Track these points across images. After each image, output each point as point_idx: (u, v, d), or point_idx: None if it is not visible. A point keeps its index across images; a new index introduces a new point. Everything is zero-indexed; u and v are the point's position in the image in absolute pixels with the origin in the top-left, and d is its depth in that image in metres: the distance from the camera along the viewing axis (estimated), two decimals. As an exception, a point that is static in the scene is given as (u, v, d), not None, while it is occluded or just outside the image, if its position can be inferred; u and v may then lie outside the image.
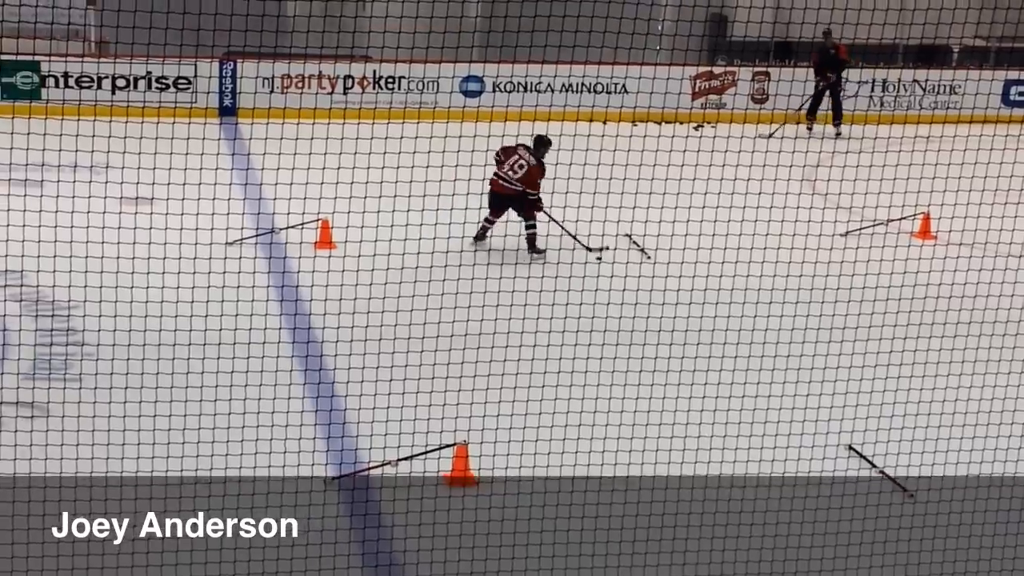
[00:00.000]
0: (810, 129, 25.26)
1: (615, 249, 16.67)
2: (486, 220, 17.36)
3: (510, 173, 17.01)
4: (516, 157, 17.13)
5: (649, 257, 16.60)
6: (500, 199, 17.23)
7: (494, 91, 24.84)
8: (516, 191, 17.07)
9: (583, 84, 25.22)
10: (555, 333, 12.03)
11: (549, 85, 24.82)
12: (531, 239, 17.28)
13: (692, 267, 13.89)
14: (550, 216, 17.26)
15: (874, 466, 11.69)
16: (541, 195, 16.94)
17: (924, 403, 12.28)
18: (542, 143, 17.10)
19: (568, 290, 11.69)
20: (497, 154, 16.86)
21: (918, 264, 13.45)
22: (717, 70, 26.35)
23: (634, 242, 17.18)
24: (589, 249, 17.16)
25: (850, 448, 11.82)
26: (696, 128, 22.30)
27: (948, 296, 13.60)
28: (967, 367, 11.99)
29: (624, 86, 24.66)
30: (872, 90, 26.68)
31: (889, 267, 13.31)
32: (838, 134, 25.22)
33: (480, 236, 17.45)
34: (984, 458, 11.15)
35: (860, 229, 18.13)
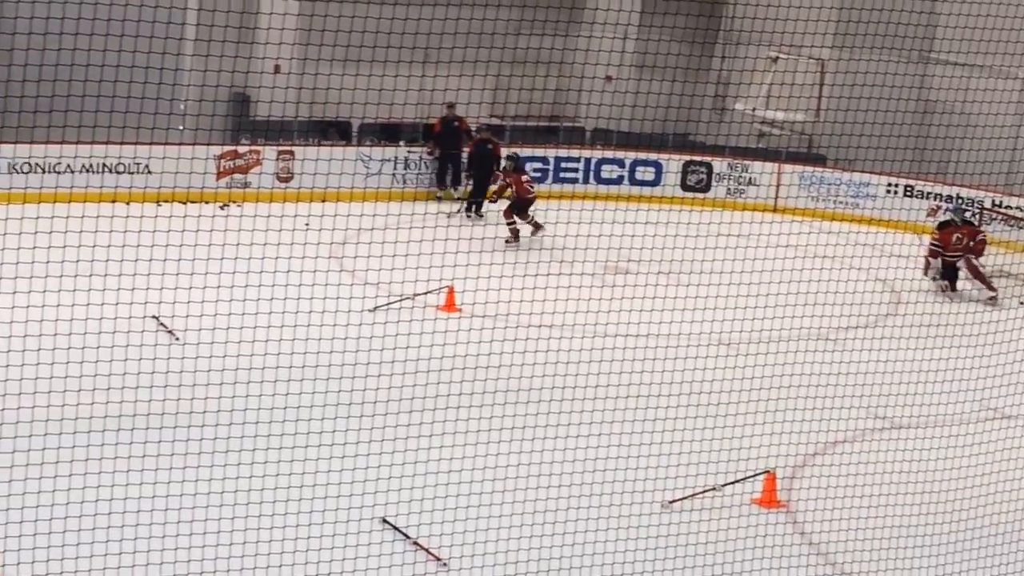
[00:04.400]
0: (440, 200, 26.84)
1: (142, 331, 16.28)
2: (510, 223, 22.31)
3: (532, 183, 23.23)
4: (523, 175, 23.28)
5: (178, 339, 16.31)
6: (527, 202, 22.61)
7: (11, 173, 23.84)
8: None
9: (104, 164, 24.55)
10: (83, 419, 11.63)
11: (68, 166, 24.02)
12: (536, 225, 22.17)
13: (223, 347, 13.77)
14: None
15: (407, 537, 11.87)
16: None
17: (455, 472, 12.61)
18: (517, 158, 23.77)
19: (95, 374, 11.36)
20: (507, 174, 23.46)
21: (444, 336, 13.81)
22: (242, 149, 26.29)
23: (162, 324, 16.87)
24: None
25: (384, 521, 11.95)
26: (222, 207, 22.16)
27: (474, 367, 14.05)
28: (494, 435, 12.35)
29: (147, 166, 24.25)
30: (395, 168, 27.27)
31: (417, 340, 13.61)
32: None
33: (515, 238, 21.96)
34: (512, 523, 11.51)
35: (388, 304, 18.43)
